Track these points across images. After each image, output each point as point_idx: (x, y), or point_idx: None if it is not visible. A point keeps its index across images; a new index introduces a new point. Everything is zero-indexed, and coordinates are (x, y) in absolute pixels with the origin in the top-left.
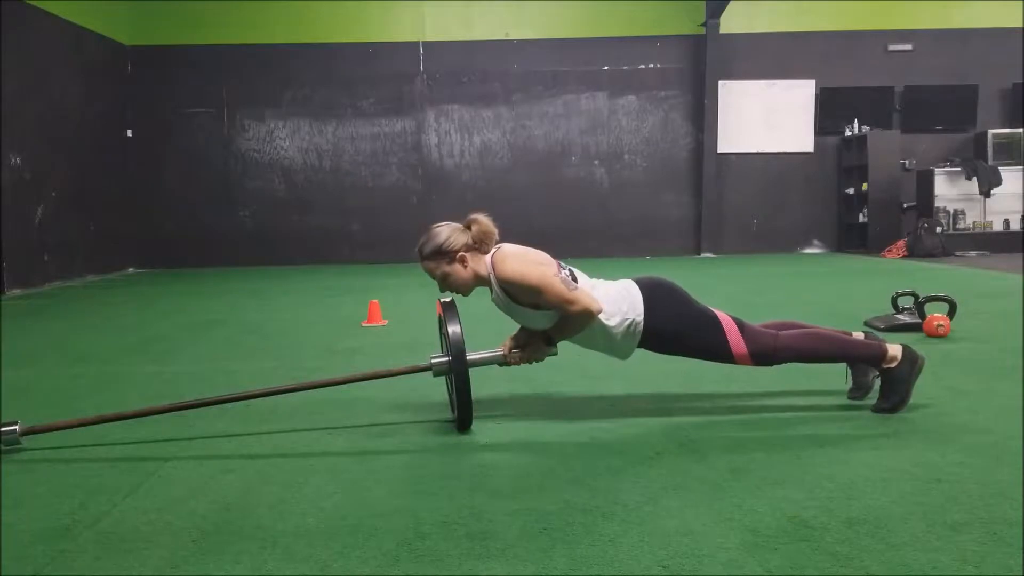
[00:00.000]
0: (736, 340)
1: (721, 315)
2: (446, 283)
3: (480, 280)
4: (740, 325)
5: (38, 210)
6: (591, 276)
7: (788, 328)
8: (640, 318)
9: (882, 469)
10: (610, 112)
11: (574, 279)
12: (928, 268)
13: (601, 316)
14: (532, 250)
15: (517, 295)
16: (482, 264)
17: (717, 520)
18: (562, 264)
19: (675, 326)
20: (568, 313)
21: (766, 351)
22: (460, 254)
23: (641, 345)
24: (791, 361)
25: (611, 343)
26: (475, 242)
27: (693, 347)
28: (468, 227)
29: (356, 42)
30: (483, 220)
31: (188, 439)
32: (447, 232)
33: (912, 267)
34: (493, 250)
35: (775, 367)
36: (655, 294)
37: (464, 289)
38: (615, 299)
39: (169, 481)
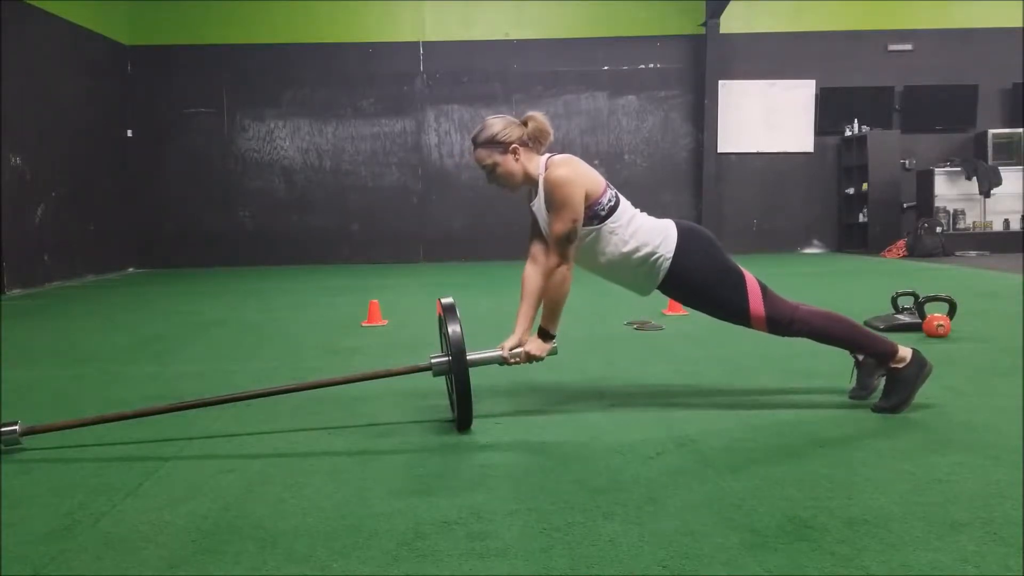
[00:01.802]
0: (756, 301)
1: (748, 275)
2: (494, 174)
3: (528, 179)
4: (764, 289)
5: (38, 210)
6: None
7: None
8: (669, 255)
9: (882, 469)
10: (610, 112)
11: (616, 204)
12: (928, 268)
13: (632, 242)
14: (590, 172)
15: (545, 195)
16: (534, 163)
17: (717, 520)
18: (609, 185)
19: (701, 274)
20: (550, 250)
21: (783, 319)
22: (513, 146)
23: (664, 289)
24: (804, 336)
25: (634, 274)
26: (529, 138)
27: (713, 299)
28: (524, 123)
29: (356, 42)
30: (539, 117)
31: (188, 439)
32: (503, 123)
33: (912, 267)
34: (550, 154)
35: (776, 366)
36: (689, 237)
37: (511, 182)
38: (651, 231)
39: (169, 481)
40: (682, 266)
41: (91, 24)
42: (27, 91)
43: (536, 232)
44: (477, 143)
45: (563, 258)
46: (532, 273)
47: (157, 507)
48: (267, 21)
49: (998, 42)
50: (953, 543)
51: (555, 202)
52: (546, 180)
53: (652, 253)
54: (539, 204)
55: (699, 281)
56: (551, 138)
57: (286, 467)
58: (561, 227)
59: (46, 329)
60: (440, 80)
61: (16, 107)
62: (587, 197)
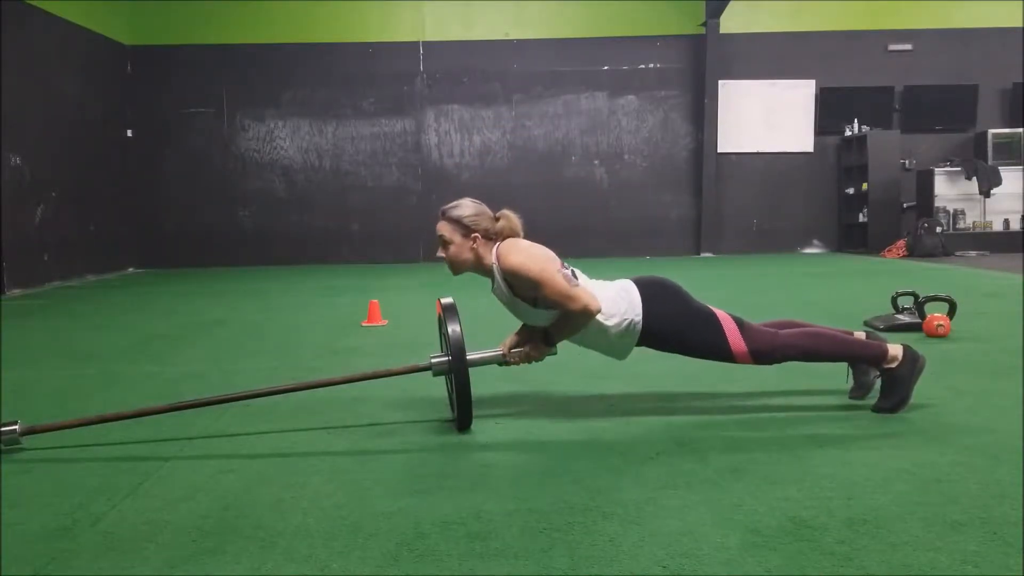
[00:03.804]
0: (735, 339)
1: (720, 313)
2: (445, 250)
3: (479, 267)
4: (739, 323)
5: (38, 210)
6: (590, 277)
7: (788, 327)
8: (638, 318)
9: (882, 469)
10: (610, 112)
11: (575, 278)
12: (928, 268)
13: (600, 317)
14: (538, 245)
15: (518, 288)
16: (488, 254)
17: (717, 520)
18: (565, 264)
19: (674, 325)
20: (568, 310)
21: (766, 349)
22: (475, 235)
23: (641, 344)
24: (791, 360)
25: (609, 343)
26: (495, 234)
27: (693, 346)
28: (496, 219)
29: (356, 42)
30: (513, 218)
31: (188, 439)
32: (476, 210)
33: (912, 267)
34: (499, 242)
35: (775, 366)
36: (653, 293)
37: (456, 267)
38: (613, 299)
39: (169, 481)
40: (653, 323)
41: (91, 24)
42: (27, 91)
43: None
44: (445, 216)
45: (584, 308)
46: None
47: (157, 507)
48: (267, 21)
49: (998, 42)
50: (953, 543)
51: (534, 283)
52: (506, 269)
53: (621, 321)
54: (499, 291)
55: (673, 332)
56: (520, 235)
57: (286, 467)
58: (558, 287)
59: (46, 329)
60: (440, 80)
61: (16, 107)
62: None
